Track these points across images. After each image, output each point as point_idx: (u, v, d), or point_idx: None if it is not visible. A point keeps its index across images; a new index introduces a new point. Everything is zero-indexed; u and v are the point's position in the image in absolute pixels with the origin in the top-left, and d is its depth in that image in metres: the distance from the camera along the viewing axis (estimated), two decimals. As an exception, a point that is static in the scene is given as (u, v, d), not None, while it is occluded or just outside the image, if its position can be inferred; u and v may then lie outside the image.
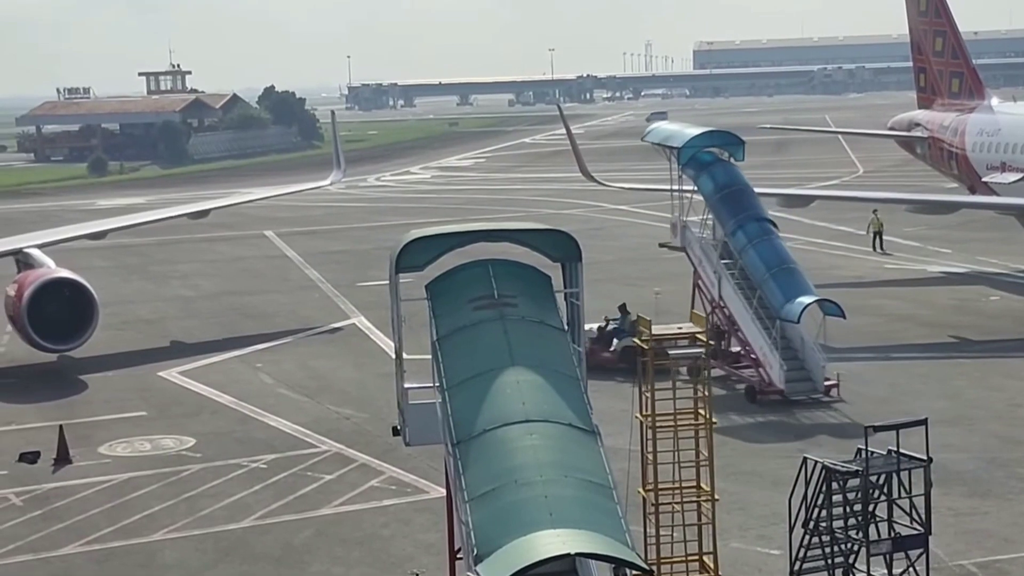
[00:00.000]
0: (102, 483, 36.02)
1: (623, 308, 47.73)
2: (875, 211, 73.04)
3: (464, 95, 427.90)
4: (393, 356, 24.84)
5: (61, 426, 39.45)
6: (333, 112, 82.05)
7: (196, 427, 41.33)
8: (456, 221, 79.69)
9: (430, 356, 21.66)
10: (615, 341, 46.35)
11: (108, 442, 40.06)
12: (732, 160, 46.51)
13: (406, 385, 23.82)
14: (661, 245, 50.15)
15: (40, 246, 55.60)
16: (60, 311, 49.76)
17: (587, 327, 45.14)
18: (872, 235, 73.38)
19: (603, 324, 47.28)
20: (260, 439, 40.04)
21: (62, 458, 38.04)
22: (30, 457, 37.53)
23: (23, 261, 54.24)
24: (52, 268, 51.87)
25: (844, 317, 43.57)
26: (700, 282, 46.11)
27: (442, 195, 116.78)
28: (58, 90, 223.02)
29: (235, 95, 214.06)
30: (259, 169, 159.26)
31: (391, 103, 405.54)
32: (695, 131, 46.97)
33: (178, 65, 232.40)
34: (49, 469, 37.27)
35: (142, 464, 37.79)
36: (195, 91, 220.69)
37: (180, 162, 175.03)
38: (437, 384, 21.74)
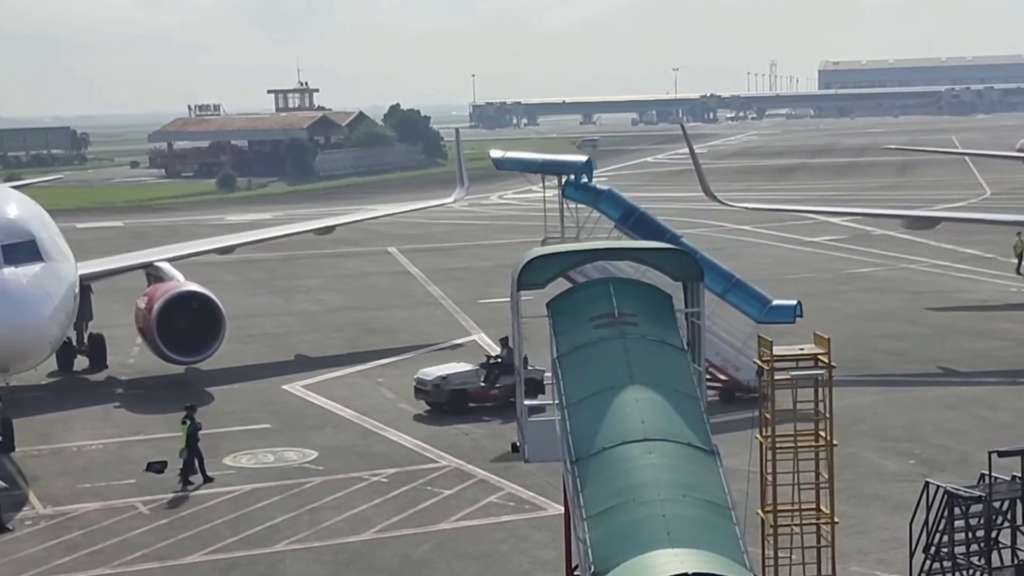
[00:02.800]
0: (226, 493, 36.57)
1: (504, 342, 46.34)
2: (1020, 233, 71.08)
3: (587, 114, 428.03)
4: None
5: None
6: (457, 130, 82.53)
7: (319, 440, 41.78)
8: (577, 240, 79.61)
9: (550, 374, 21.69)
10: (502, 377, 44.70)
11: (233, 453, 40.66)
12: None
13: (526, 402, 23.89)
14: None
15: (170, 260, 56.74)
16: (188, 324, 50.58)
17: (468, 367, 45.49)
18: (1018, 257, 71.38)
19: (485, 361, 46.17)
20: (381, 453, 40.38)
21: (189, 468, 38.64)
22: (157, 467, 38.19)
23: (153, 274, 55.32)
24: (181, 282, 52.77)
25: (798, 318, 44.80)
26: None
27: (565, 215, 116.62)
28: (189, 107, 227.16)
29: (361, 113, 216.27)
30: (383, 186, 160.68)
31: (514, 122, 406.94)
32: (569, 159, 48.75)
33: (306, 83, 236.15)
34: (176, 479, 37.90)
35: (266, 476, 38.30)
36: (322, 109, 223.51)
37: (306, 179, 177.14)
38: (557, 401, 21.77)
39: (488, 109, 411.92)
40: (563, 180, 47.36)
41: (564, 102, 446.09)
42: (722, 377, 44.54)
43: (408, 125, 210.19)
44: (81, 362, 54.44)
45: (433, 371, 45.89)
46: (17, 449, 40.89)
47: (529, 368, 44.96)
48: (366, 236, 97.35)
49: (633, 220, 46.79)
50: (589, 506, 18.99)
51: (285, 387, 49.36)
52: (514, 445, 24.81)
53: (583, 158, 49.48)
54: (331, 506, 35.10)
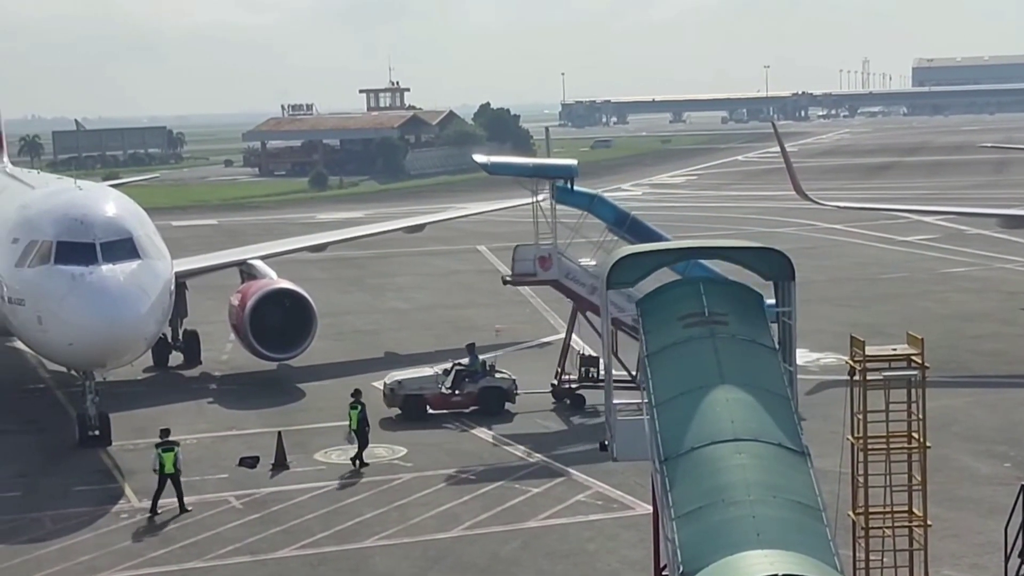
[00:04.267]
0: (317, 489, 36.82)
1: (471, 348, 46.32)
2: None
3: (677, 112, 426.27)
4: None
5: (279, 432, 40.42)
6: (547, 129, 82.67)
7: (408, 437, 41.92)
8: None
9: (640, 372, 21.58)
10: (466, 383, 44.62)
11: (324, 449, 40.94)
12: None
13: (615, 401, 23.82)
14: (507, 282, 48.70)
15: (263, 257, 57.24)
16: (281, 321, 51.01)
17: (431, 370, 44.91)
18: None
19: (449, 368, 45.44)
20: (469, 450, 40.45)
21: (280, 463, 39.01)
22: (250, 462, 38.55)
23: (246, 272, 55.85)
24: (274, 279, 53.21)
25: None
26: (590, 311, 45.09)
27: (653, 212, 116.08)
28: (282, 107, 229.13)
29: (451, 112, 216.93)
30: (473, 185, 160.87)
31: (604, 120, 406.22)
32: (557, 163, 48.59)
33: (397, 82, 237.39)
34: (267, 474, 38.25)
35: (356, 472, 38.50)
36: (413, 108, 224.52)
37: (397, 177, 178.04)
38: (646, 400, 21.67)
39: (578, 107, 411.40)
40: (553, 184, 47.34)
41: (654, 100, 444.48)
42: None
43: (498, 124, 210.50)
44: (176, 358, 55.09)
45: (397, 374, 45.48)
46: (114, 443, 41.51)
47: (497, 375, 45.07)
48: (455, 234, 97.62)
49: (628, 224, 47.31)
50: (678, 506, 18.87)
51: (375, 384, 49.58)
52: (602, 443, 24.75)
53: (570, 162, 49.53)
54: (420, 503, 35.21)
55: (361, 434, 38.93)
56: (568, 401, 45.35)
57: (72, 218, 41.51)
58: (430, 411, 44.07)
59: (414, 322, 63.44)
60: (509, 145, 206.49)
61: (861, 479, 24.23)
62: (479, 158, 51.15)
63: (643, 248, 24.07)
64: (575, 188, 47.51)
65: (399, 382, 44.48)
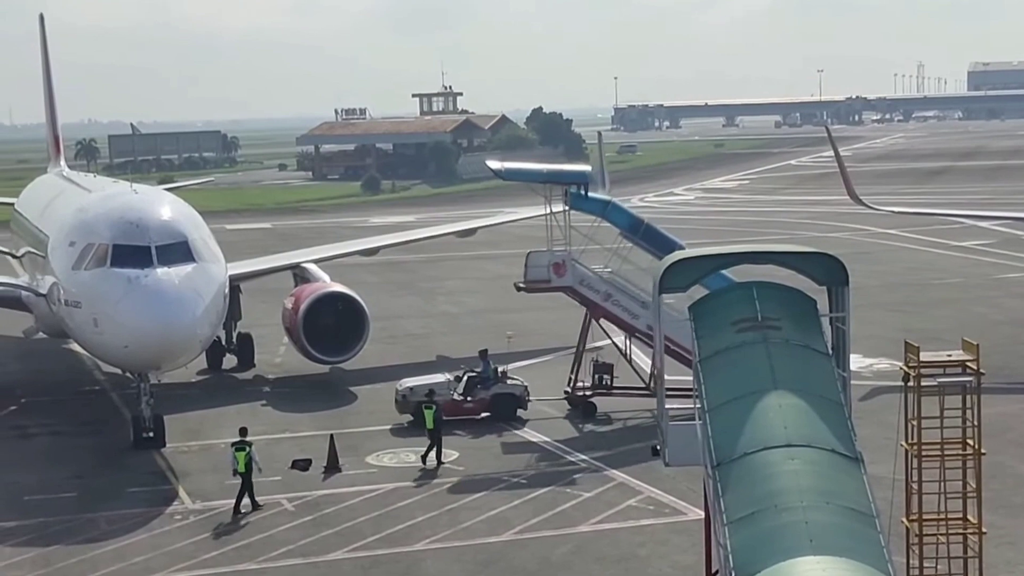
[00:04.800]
0: (369, 492, 36.92)
1: (483, 354, 46.19)
2: None
3: (730, 116, 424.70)
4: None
5: (332, 435, 40.58)
6: (599, 133, 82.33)
7: (459, 440, 41.94)
8: (719, 243, 79.07)
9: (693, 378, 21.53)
10: (478, 389, 44.59)
11: (375, 452, 41.05)
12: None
13: (667, 406, 23.76)
14: (520, 288, 48.07)
15: (316, 261, 57.55)
16: (333, 324, 51.22)
17: (443, 377, 44.49)
18: None
19: (460, 374, 45.29)
20: (521, 455, 40.45)
21: (332, 466, 39.15)
22: (302, 464, 38.71)
23: (300, 275, 56.14)
24: (327, 283, 53.43)
25: None
26: (604, 318, 45.46)
27: (706, 216, 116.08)
28: (336, 111, 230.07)
29: (504, 116, 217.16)
30: (525, 189, 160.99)
31: (656, 124, 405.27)
32: (573, 168, 48.56)
33: (450, 87, 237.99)
34: (320, 476, 38.40)
35: (407, 475, 38.59)
36: (465, 112, 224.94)
37: (449, 181, 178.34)
38: (698, 405, 21.61)
39: (630, 112, 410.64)
40: (567, 191, 47.17)
41: (707, 104, 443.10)
42: None
43: (550, 128, 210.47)
44: (230, 360, 55.42)
45: (409, 381, 45.22)
46: (168, 445, 41.79)
47: (509, 381, 44.92)
48: (507, 239, 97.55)
49: (643, 230, 47.39)
50: (730, 511, 18.80)
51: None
52: (654, 448, 24.71)
53: (584, 168, 49.55)
54: (471, 506, 35.24)
55: (436, 433, 39.52)
56: (579, 408, 45.35)
57: (128, 221, 41.86)
58: (443, 417, 43.86)
59: (465, 326, 63.52)
60: (561, 149, 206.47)
61: (915, 485, 24.04)
62: (492, 164, 51.06)
63: (694, 253, 23.97)
64: (589, 194, 47.28)
65: (411, 388, 44.34)
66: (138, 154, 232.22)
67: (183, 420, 45.42)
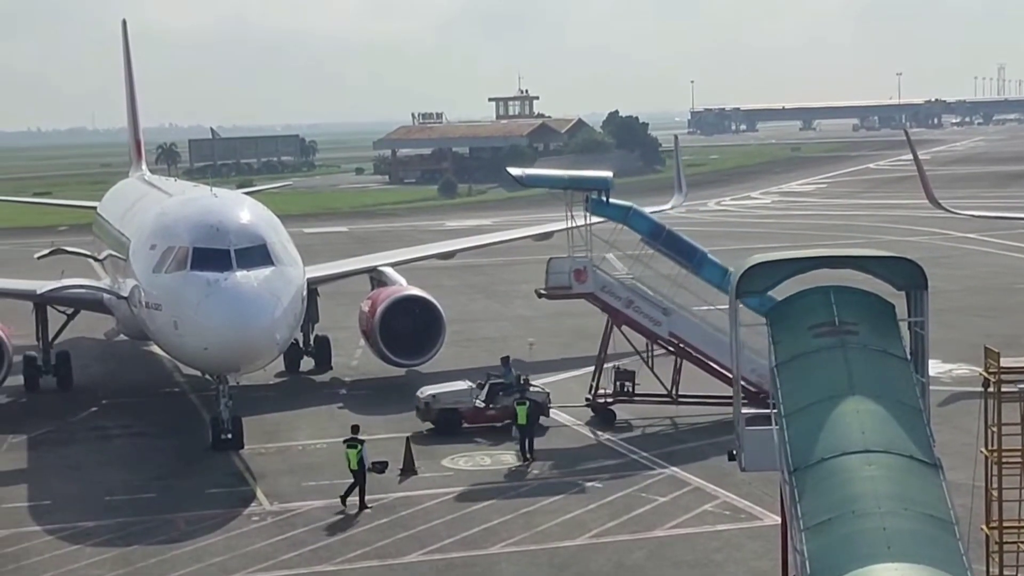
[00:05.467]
0: (444, 495, 37.03)
1: (505, 361, 45.94)
2: None
3: (807, 120, 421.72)
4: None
5: (408, 438, 40.76)
6: (676, 137, 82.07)
7: (535, 443, 41.93)
8: (797, 247, 78.56)
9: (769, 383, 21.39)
10: (500, 396, 44.18)
11: (451, 455, 41.15)
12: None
13: (744, 411, 23.64)
14: (541, 295, 47.86)
15: (393, 264, 57.78)
16: (410, 327, 51.41)
17: (465, 384, 44.30)
18: None
19: (483, 381, 44.97)
20: (597, 458, 40.39)
21: (408, 469, 39.30)
22: (379, 467, 38.86)
23: (377, 279, 56.41)
24: (404, 286, 53.59)
25: None
26: (625, 325, 45.38)
27: (782, 220, 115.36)
28: (413, 115, 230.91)
29: (580, 120, 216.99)
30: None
31: (733, 128, 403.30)
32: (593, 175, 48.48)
33: (526, 91, 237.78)
34: (396, 479, 38.53)
35: (483, 478, 38.66)
36: (542, 116, 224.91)
37: (526, 185, 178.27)
38: (775, 410, 21.48)
39: (707, 115, 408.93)
40: (588, 197, 46.92)
41: (784, 108, 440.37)
42: (753, 390, 43.73)
43: (626, 132, 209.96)
44: (307, 363, 55.79)
45: (430, 389, 45.17)
46: (246, 447, 42.13)
47: (531, 389, 44.66)
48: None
49: (664, 237, 47.34)
50: (807, 517, 18.67)
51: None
52: (731, 453, 24.57)
53: (605, 174, 49.06)
54: (547, 510, 35.22)
55: (529, 429, 40.14)
56: (599, 415, 45.26)
57: (208, 225, 42.23)
58: (464, 425, 43.93)
59: (540, 329, 63.48)
60: (637, 154, 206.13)
61: (995, 492, 23.74)
62: (513, 171, 50.83)
63: (770, 257, 23.80)
64: (610, 200, 47.07)
65: (434, 396, 44.31)
66: (218, 158, 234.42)
67: (261, 422, 45.78)
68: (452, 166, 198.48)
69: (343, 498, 36.04)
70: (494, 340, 61.43)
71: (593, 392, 45.74)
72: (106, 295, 51.99)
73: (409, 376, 52.56)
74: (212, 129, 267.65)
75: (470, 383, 45.15)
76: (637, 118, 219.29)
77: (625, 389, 45.45)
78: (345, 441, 36.67)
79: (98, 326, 58.71)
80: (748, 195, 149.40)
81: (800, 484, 19.32)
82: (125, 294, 47.10)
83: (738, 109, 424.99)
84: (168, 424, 47.16)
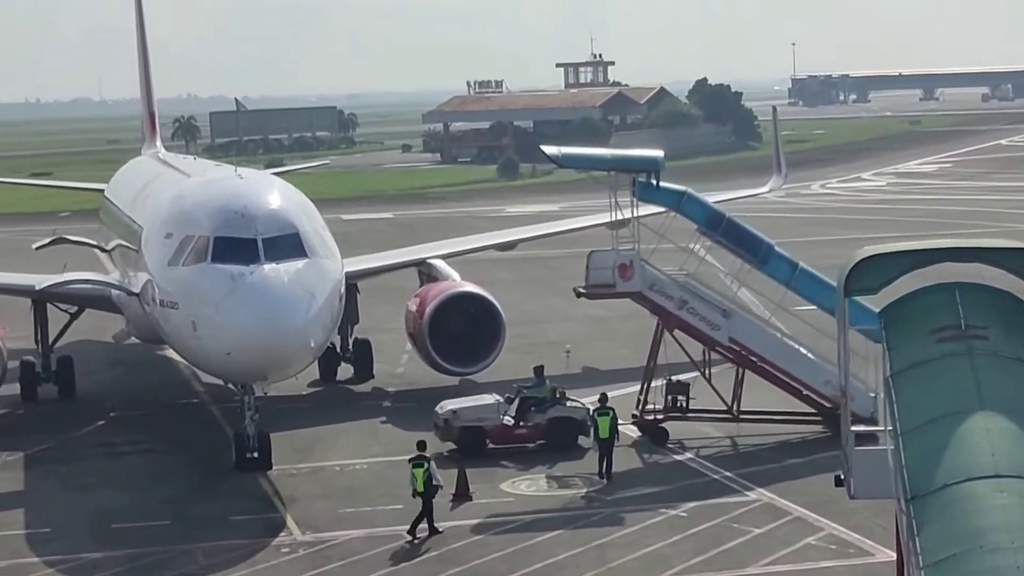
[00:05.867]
0: (503, 524, 37.12)
1: (539, 371, 45.51)
2: None
3: (928, 88, 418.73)
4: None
5: (462, 465, 40.80)
6: (774, 108, 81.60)
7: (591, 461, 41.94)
8: (916, 237, 78.07)
9: (883, 395, 21.29)
10: (532, 412, 43.99)
11: (511, 479, 41.26)
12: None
13: (852, 428, 23.55)
14: (580, 294, 47.69)
15: (444, 257, 57.78)
16: (464, 330, 51.51)
17: (491, 398, 44.14)
18: None
19: (512, 395, 44.63)
20: (680, 482, 40.36)
21: (461, 494, 39.38)
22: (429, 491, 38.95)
23: (426, 273, 56.48)
24: (456, 281, 53.69)
25: None
26: (678, 329, 45.46)
27: (899, 206, 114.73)
28: (468, 83, 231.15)
29: (662, 88, 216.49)
30: (687, 173, 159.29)
31: (841, 98, 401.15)
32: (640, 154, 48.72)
33: (600, 55, 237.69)
34: (448, 505, 38.64)
35: (547, 504, 38.72)
36: (617, 84, 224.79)
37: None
38: (890, 428, 21.38)
39: (811, 83, 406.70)
40: (635, 180, 46.70)
41: (900, 75, 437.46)
42: (827, 405, 44.20)
43: (716, 102, 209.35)
44: (345, 371, 56.07)
45: (451, 403, 44.82)
46: (274, 467, 42.34)
47: (568, 403, 44.44)
48: (667, 230, 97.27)
49: (724, 226, 47.17)
50: (927, 553, 18.60)
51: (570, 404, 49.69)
52: (838, 478, 24.48)
53: (656, 154, 48.85)
54: (621, 543, 35.22)
55: (609, 444, 40.44)
56: (647, 434, 45.12)
57: (232, 210, 42.47)
58: (490, 445, 43.75)
59: (615, 332, 63.38)
60: (729, 128, 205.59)
61: None
62: (548, 149, 50.12)
63: (884, 249, 23.67)
64: (660, 184, 46.86)
65: (454, 412, 43.97)
66: (243, 133, 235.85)
67: (292, 438, 46.05)
68: (513, 142, 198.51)
69: (411, 529, 36.15)
70: (561, 344, 61.23)
71: (640, 407, 45.52)
72: (115, 291, 52.46)
73: (464, 387, 52.65)
74: (237, 100, 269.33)
75: (497, 397, 45.04)
76: (729, 87, 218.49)
77: (678, 404, 45.28)
78: (411, 460, 36.82)
79: (105, 327, 59.26)
80: (859, 176, 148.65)
81: (919, 514, 19.24)
82: (136, 290, 47.52)
83: (847, 76, 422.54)
84: (185, 440, 47.57)
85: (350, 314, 53.77)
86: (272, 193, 45.00)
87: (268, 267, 40.36)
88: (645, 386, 45.60)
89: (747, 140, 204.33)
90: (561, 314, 69.53)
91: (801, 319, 47.36)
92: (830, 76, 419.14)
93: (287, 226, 42.13)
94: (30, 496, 41.73)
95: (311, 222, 43.72)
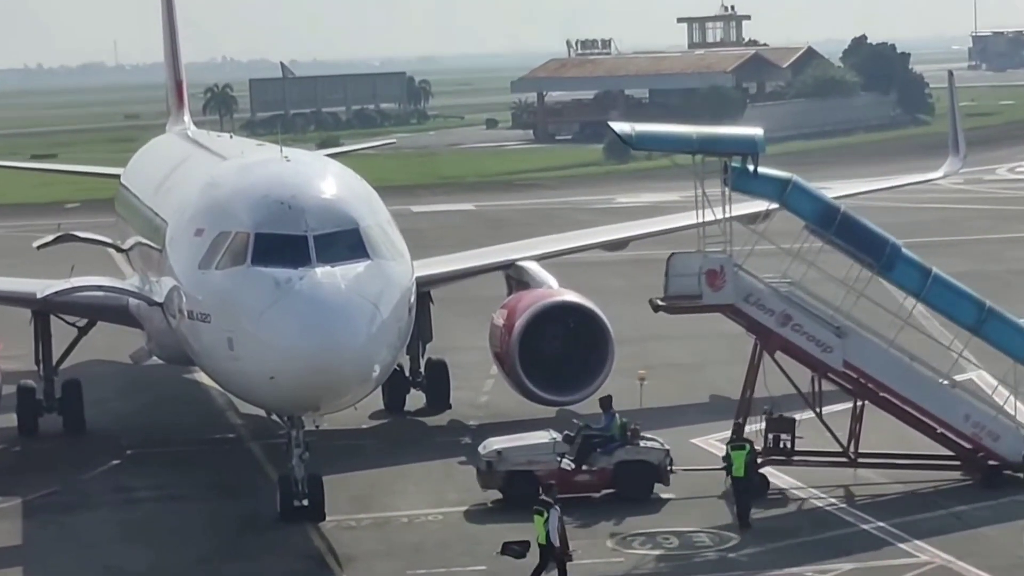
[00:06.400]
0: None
1: (606, 403, 45.07)
2: None
3: None
4: None
5: (558, 509, 40.64)
6: (951, 73, 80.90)
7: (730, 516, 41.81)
8: None
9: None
10: (597, 454, 43.57)
11: (618, 534, 41.20)
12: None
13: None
14: (658, 307, 47.16)
15: (538, 258, 57.52)
16: (563, 349, 51.34)
17: (548, 436, 43.88)
18: None
19: (572, 432, 44.09)
20: (832, 539, 40.26)
21: (560, 552, 39.18)
22: (516, 549, 38.89)
23: (516, 278, 56.26)
24: (554, 289, 53.43)
25: None
26: (781, 351, 45.29)
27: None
28: (568, 44, 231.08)
29: (809, 49, 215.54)
30: (841, 154, 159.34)
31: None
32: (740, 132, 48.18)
33: (731, 7, 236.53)
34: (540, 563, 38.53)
35: (668, 567, 38.66)
36: (754, 43, 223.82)
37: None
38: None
39: (996, 42, 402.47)
40: (727, 165, 46.04)
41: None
42: (966, 446, 44.07)
43: (877, 66, 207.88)
44: (416, 399, 56.12)
45: (497, 442, 44.51)
46: (328, 518, 42.42)
47: (643, 443, 43.88)
48: (768, 230, 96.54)
49: (839, 223, 46.39)
50: None
51: (695, 441, 49.49)
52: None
53: (754, 132, 47.75)
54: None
55: (748, 484, 41.10)
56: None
57: (277, 201, 42.56)
58: (542, 497, 42.89)
59: (743, 353, 62.88)
60: (893, 97, 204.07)
61: None
62: (617, 126, 49.63)
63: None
64: (760, 170, 46.34)
65: (499, 453, 43.68)
66: (290, 106, 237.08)
67: (349, 482, 46.19)
68: (625, 115, 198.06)
69: None
70: (684, 367, 61.27)
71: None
72: (132, 300, 52.75)
73: (561, 418, 52.40)
74: (282, 64, 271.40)
75: (554, 434, 44.72)
76: (893, 46, 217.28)
77: (781, 444, 44.91)
78: (535, 508, 37.10)
79: (121, 345, 59.58)
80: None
81: None
82: (160, 299, 47.78)
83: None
84: (219, 485, 47.80)
85: (422, 329, 53.82)
86: (326, 180, 45.07)
87: (321, 271, 40.40)
88: (739, 422, 45.15)
89: (916, 113, 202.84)
90: (684, 330, 68.91)
91: (935, 339, 46.84)
92: (1021, 33, 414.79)
93: (345, 220, 42.16)
94: (29, 553, 41.99)
95: (374, 215, 43.75)
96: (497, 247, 64.11)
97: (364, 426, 53.55)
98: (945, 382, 44.89)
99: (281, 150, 48.71)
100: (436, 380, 56.36)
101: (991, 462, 44.16)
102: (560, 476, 43.19)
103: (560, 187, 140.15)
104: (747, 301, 45.51)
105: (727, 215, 46.74)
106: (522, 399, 51.96)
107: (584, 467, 43.76)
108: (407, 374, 55.65)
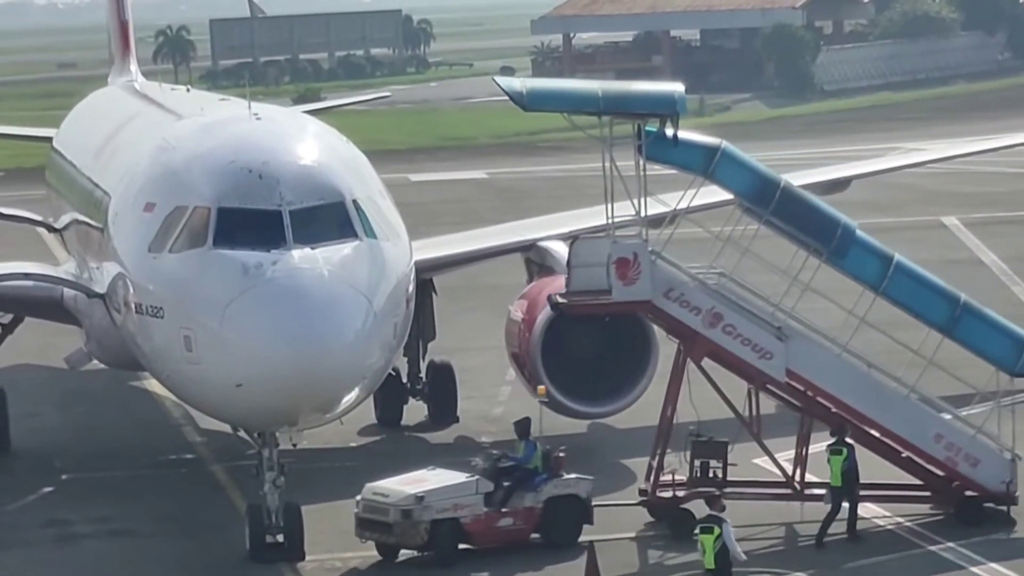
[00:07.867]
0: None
1: (524, 429, 44.51)
2: None
3: None
4: None
5: (591, 543, 40.89)
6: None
7: (815, 557, 42.29)
8: None
9: None
10: (521, 492, 42.88)
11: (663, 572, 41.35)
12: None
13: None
14: (556, 306, 46.89)
15: (564, 237, 57.44)
16: (594, 349, 51.48)
17: (461, 476, 42.74)
18: None
19: (486, 463, 43.27)
20: (889, 553, 40.66)
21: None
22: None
23: (537, 262, 56.27)
24: (583, 276, 53.53)
25: None
26: (708, 357, 45.26)
27: None
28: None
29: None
30: (937, 107, 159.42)
31: None
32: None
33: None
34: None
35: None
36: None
37: (800, 95, 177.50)
38: None
39: None
40: (641, 128, 45.80)
41: None
42: (938, 473, 44.33)
43: (981, 1, 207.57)
44: (416, 410, 56.22)
45: (391, 485, 43.26)
46: (308, 556, 42.65)
47: (566, 476, 43.39)
48: (904, 196, 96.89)
49: (778, 198, 45.93)
50: None
51: (757, 461, 49.57)
52: None
53: (672, 89, 47.42)
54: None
55: (843, 494, 41.93)
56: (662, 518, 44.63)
57: (243, 168, 42.71)
58: (460, 546, 42.69)
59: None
60: (1001, 39, 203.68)
61: None
62: (504, 82, 49.31)
63: None
64: (681, 136, 46.23)
65: (420, 499, 42.19)
66: (260, 52, 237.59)
67: (334, 513, 46.29)
68: (670, 62, 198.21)
69: None
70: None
71: (652, 479, 45.11)
72: (68, 291, 52.86)
73: (594, 433, 52.57)
74: (251, 2, 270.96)
75: (465, 475, 43.66)
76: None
77: (710, 473, 44.71)
78: (702, 526, 38.03)
79: (54, 345, 59.74)
80: None
81: None
82: (101, 289, 47.89)
83: None
84: (174, 517, 47.97)
85: (423, 325, 53.96)
86: (304, 142, 45.20)
87: (299, 254, 40.55)
88: (659, 448, 45.07)
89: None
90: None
91: (900, 341, 46.54)
92: None
93: (328, 192, 42.29)
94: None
95: (364, 186, 43.85)
96: (514, 224, 64.30)
97: (352, 444, 53.80)
98: (912, 395, 44.60)
99: (249, 106, 48.82)
100: (440, 387, 56.52)
101: (968, 492, 44.14)
102: (482, 524, 42.54)
103: (591, 150, 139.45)
104: (667, 297, 45.14)
105: (642, 191, 46.32)
106: (545, 411, 51.89)
107: (506, 509, 42.91)
108: (404, 380, 55.80)
